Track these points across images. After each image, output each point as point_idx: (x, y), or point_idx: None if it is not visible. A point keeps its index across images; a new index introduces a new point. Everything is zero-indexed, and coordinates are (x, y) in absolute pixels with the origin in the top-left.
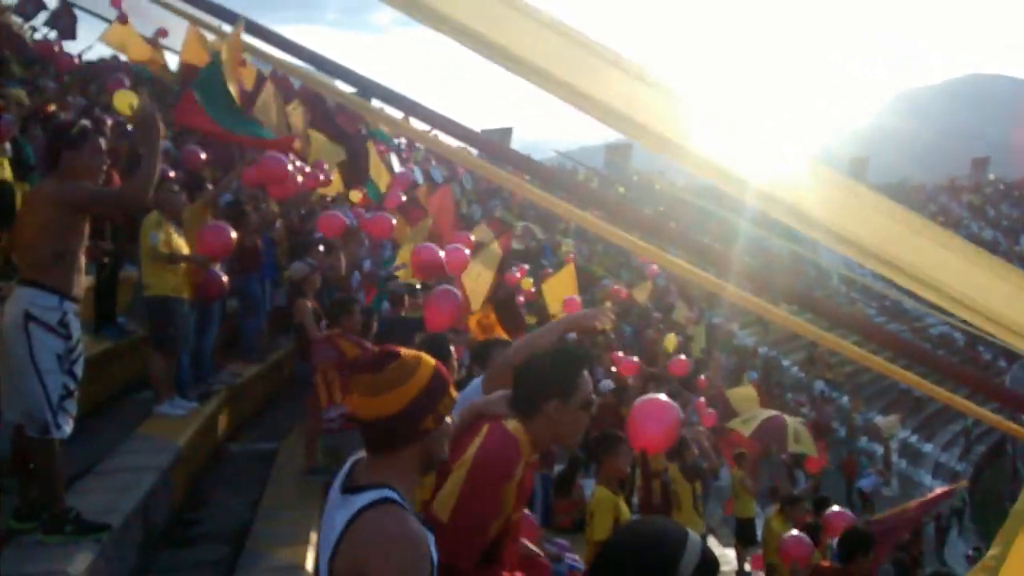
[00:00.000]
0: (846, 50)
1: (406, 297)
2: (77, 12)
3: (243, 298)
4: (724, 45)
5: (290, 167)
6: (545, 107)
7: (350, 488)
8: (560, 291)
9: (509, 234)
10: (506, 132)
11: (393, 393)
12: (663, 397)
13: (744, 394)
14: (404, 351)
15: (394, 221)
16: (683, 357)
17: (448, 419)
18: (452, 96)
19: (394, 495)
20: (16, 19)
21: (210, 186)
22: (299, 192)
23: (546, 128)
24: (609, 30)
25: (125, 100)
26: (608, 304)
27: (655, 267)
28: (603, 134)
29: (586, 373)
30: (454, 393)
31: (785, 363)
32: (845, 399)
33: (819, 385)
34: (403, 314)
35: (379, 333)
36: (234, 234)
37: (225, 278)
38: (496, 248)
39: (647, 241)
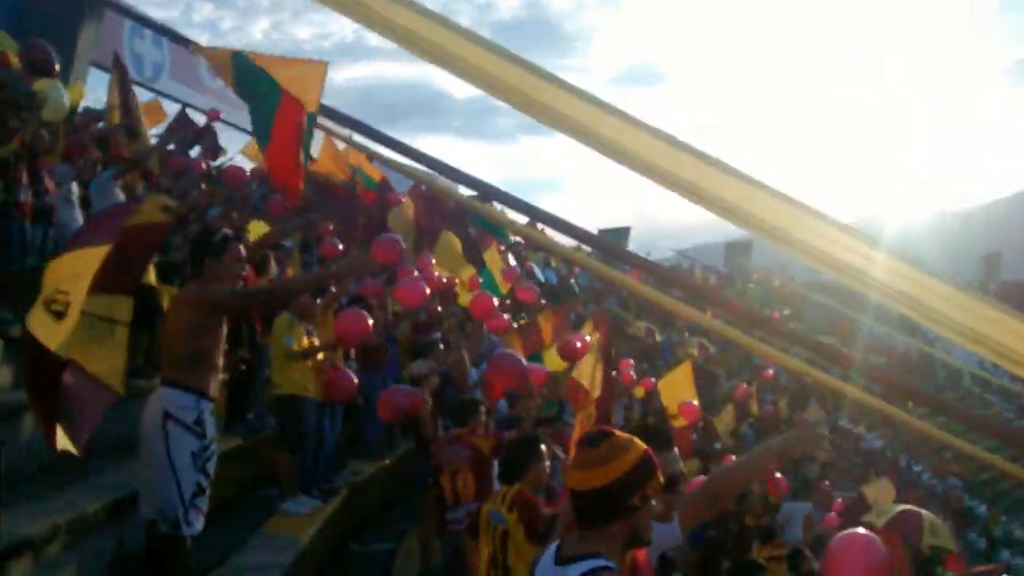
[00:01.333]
0: (978, 139)
1: (532, 395)
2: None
3: (366, 396)
4: (842, 133)
5: (419, 275)
6: (664, 206)
7: (563, 559)
8: (676, 391)
9: (605, 318)
10: (624, 232)
11: (604, 468)
12: (862, 531)
13: (880, 489)
14: (618, 432)
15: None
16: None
17: (654, 501)
18: (572, 197)
19: (609, 564)
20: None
21: (333, 289)
22: (428, 298)
23: (665, 226)
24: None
25: (256, 230)
26: (822, 430)
27: (770, 370)
28: (723, 231)
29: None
30: (662, 478)
31: (916, 468)
32: (983, 508)
33: (954, 493)
34: (521, 413)
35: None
36: (371, 320)
37: (355, 379)
38: (597, 336)
39: (768, 340)
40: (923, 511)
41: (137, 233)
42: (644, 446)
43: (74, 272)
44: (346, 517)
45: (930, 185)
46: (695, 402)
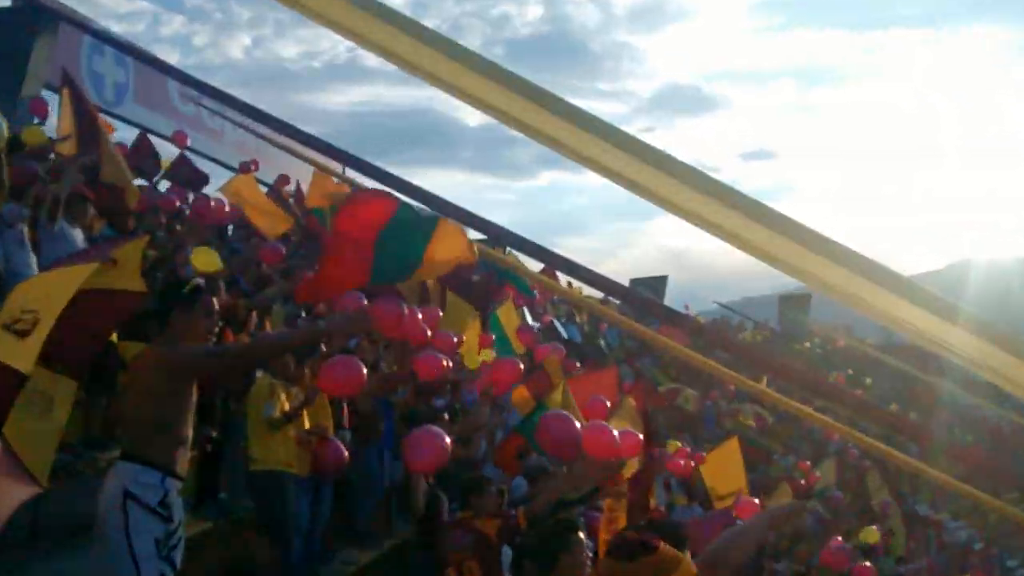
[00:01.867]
0: None
1: (556, 473)
2: (196, 158)
3: (358, 473)
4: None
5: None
6: (708, 251)
7: None
8: (723, 470)
9: (640, 385)
10: (660, 281)
11: None
12: None
13: None
14: (664, 546)
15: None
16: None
17: None
18: (600, 240)
19: None
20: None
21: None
22: (446, 372)
23: (709, 274)
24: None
25: (205, 259)
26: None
27: (837, 438)
28: (777, 280)
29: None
30: None
31: (1010, 563)
32: None
33: None
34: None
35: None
36: (365, 369)
37: (345, 452)
38: (630, 403)
39: (831, 410)
40: None
41: (101, 300)
42: (692, 568)
43: (46, 292)
44: None
45: None
46: (743, 488)
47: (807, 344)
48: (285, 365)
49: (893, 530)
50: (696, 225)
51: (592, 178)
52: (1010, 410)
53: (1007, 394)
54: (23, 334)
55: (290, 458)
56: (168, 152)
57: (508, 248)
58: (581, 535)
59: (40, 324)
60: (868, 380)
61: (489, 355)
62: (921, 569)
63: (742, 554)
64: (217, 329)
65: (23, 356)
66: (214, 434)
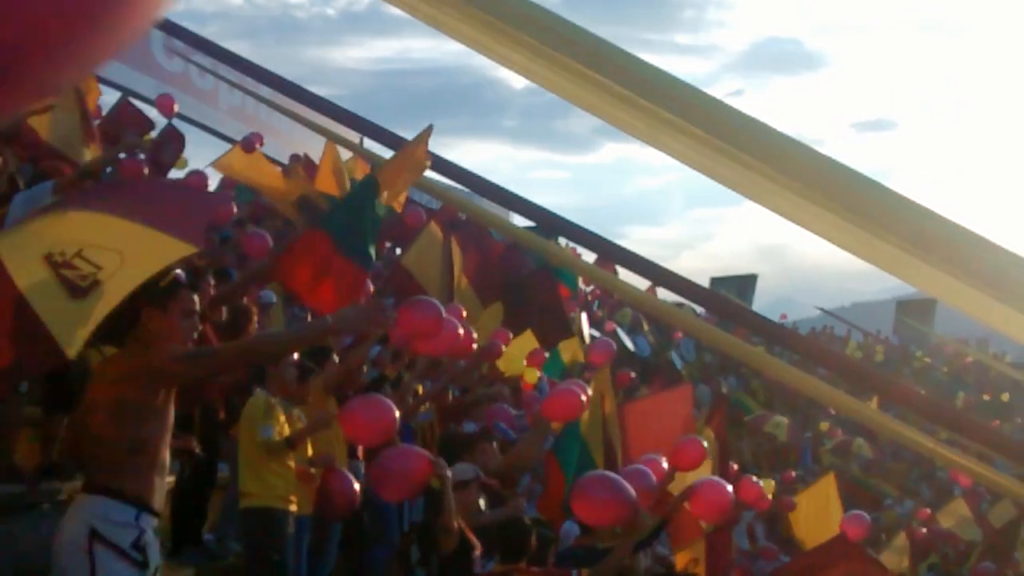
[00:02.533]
0: None
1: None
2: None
3: (371, 513)
4: None
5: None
6: (809, 246)
7: None
8: (816, 515)
9: (721, 408)
10: (748, 281)
11: None
12: None
13: None
14: None
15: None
16: None
17: None
18: (677, 230)
19: None
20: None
21: (335, 357)
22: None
23: (810, 274)
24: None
25: None
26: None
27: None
28: (892, 283)
29: None
30: None
31: None
32: None
33: None
34: (598, 543)
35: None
36: (397, 413)
37: (357, 485)
38: (709, 435)
39: (958, 445)
40: None
41: None
42: None
43: (122, 247)
44: None
45: None
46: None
47: (928, 360)
48: (284, 380)
49: None
50: (793, 220)
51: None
52: None
53: None
54: (76, 290)
55: (289, 493)
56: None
57: (560, 239)
58: None
59: (105, 292)
60: (1005, 396)
61: (535, 376)
62: None
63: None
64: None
65: (68, 326)
66: (197, 450)
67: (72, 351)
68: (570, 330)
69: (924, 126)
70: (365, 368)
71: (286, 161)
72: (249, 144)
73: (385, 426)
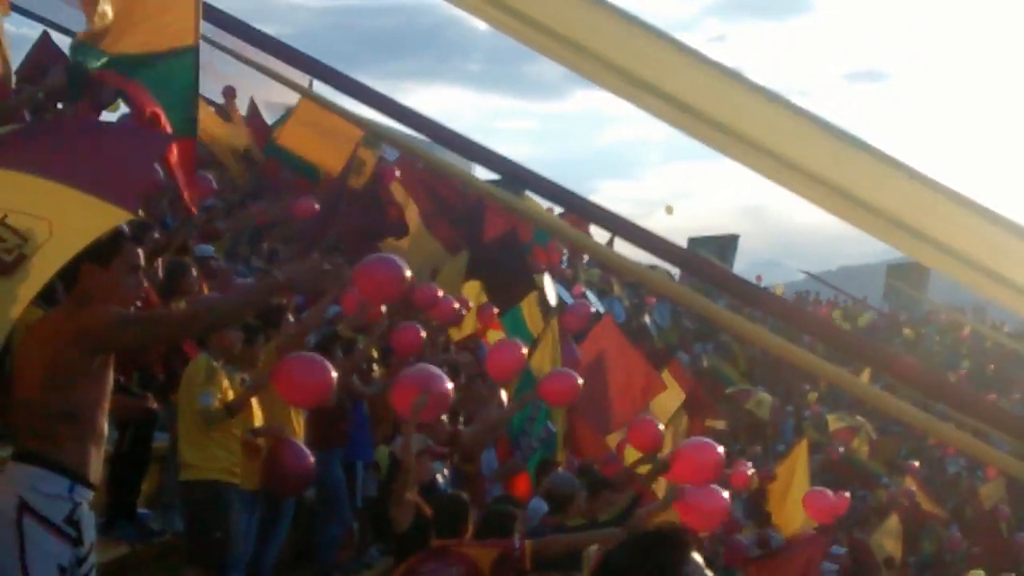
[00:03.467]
0: None
1: (578, 495)
2: None
3: (321, 488)
4: None
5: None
6: (795, 205)
7: None
8: (792, 495)
9: (700, 384)
10: (729, 242)
11: None
12: None
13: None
14: None
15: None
16: None
17: None
18: (652, 184)
19: None
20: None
21: (291, 317)
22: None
23: (795, 235)
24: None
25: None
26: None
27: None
28: (880, 245)
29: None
30: None
31: None
32: None
33: None
34: (567, 521)
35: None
36: (334, 372)
37: (311, 458)
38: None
39: (954, 418)
40: None
41: None
42: None
43: (54, 216)
44: None
45: None
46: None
47: (922, 330)
48: (228, 342)
49: None
50: (775, 181)
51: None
52: None
53: None
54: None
55: (233, 465)
56: None
57: (527, 192)
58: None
59: (33, 269)
60: (1003, 368)
61: (497, 336)
62: None
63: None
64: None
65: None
66: (155, 406)
67: (1, 336)
68: (533, 286)
69: (919, 77)
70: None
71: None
72: (230, 91)
73: (320, 387)
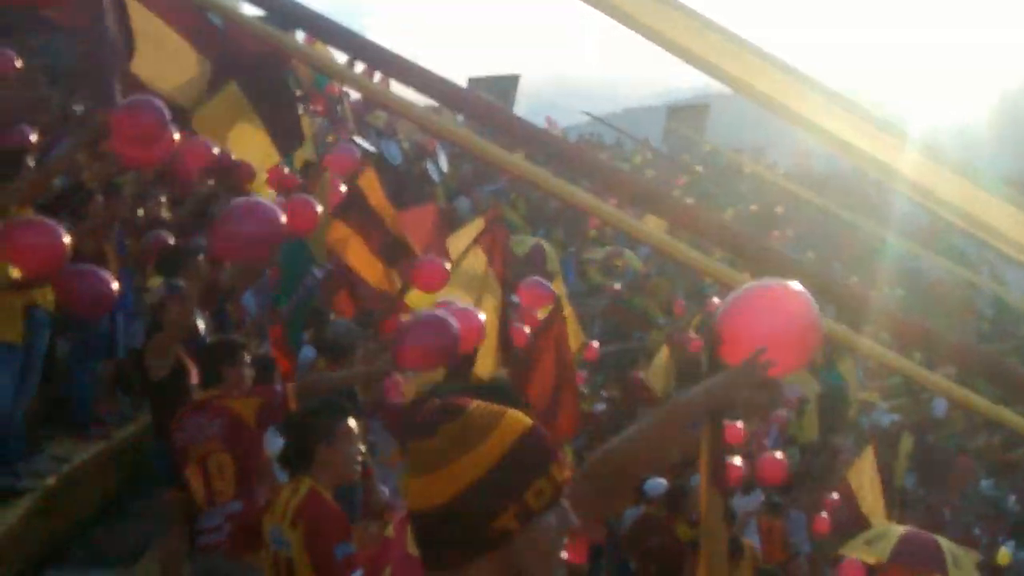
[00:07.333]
0: None
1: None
2: None
3: (75, 333)
4: None
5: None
6: (578, 46)
7: None
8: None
9: (501, 232)
10: (509, 83)
11: (448, 469)
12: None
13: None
14: (476, 404)
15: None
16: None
17: (551, 516)
18: (432, 23)
19: None
20: None
21: (31, 162)
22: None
23: (574, 77)
24: None
25: None
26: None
27: (716, 301)
28: (665, 88)
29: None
30: (562, 473)
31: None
32: None
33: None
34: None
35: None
36: (67, 238)
37: (116, 285)
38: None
39: (730, 259)
40: (940, 539)
41: None
42: (522, 421)
43: None
44: (41, 530)
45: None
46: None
47: (698, 169)
48: None
49: (805, 411)
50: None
51: None
52: (955, 261)
53: (953, 242)
54: None
55: None
56: None
57: (299, 31)
58: (351, 424)
59: None
60: (780, 208)
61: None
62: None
63: (647, 461)
64: None
65: None
66: None
67: None
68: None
69: None
70: None
71: None
72: None
73: (52, 253)
